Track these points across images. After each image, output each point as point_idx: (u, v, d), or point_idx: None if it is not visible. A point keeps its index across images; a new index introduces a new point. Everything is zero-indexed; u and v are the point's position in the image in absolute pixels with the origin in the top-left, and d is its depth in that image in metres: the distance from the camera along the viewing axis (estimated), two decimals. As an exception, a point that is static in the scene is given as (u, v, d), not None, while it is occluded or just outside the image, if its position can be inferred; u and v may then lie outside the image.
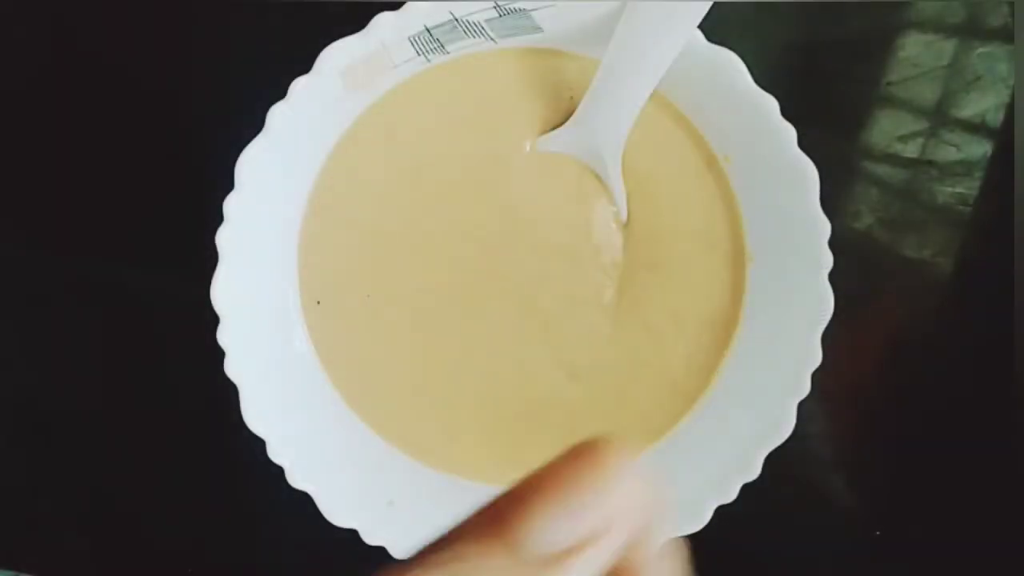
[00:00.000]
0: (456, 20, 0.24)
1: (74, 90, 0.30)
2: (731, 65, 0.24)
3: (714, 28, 0.24)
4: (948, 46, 0.28)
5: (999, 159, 0.29)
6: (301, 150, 0.26)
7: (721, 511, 0.26)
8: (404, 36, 0.24)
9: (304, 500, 0.26)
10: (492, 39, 0.25)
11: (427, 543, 0.14)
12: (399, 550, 0.26)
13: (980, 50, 0.28)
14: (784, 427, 0.26)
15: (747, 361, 0.28)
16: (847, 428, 0.32)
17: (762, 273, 0.27)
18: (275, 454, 0.26)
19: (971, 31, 0.28)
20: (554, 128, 0.27)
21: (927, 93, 0.29)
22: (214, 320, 0.25)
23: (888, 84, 0.29)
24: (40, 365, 0.32)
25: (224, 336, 0.25)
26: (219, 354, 0.25)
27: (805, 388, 0.26)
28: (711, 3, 0.23)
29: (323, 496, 0.26)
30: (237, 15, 0.29)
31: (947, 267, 0.30)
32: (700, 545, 0.26)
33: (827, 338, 0.26)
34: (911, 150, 0.29)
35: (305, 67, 0.23)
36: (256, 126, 0.24)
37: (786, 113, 0.24)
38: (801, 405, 0.26)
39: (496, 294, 0.28)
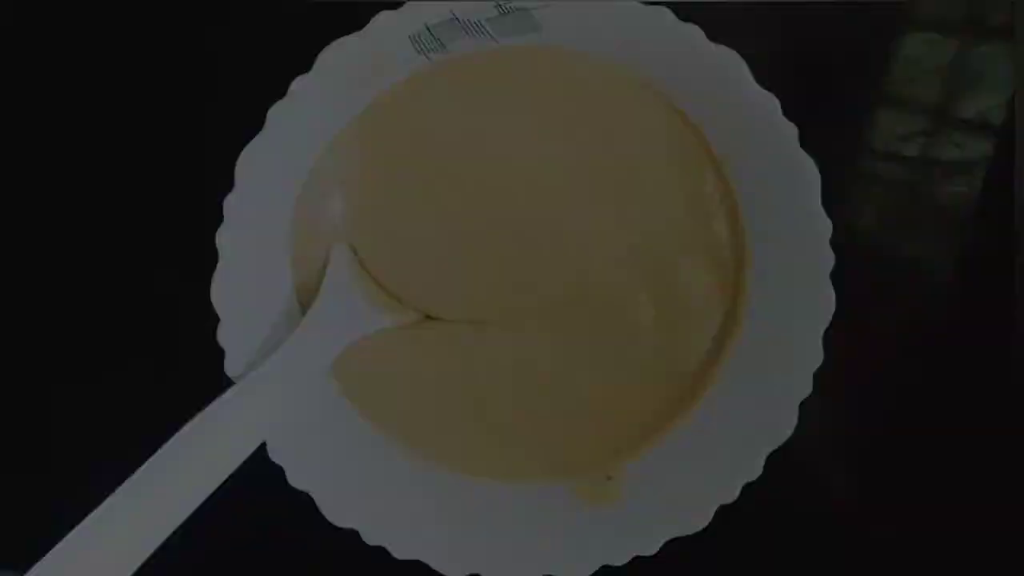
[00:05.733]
0: (457, 19, 0.24)
1: (73, 90, 0.30)
2: (732, 64, 0.24)
3: (714, 27, 0.24)
4: (949, 45, 0.28)
5: (1000, 158, 0.29)
6: (301, 150, 0.26)
7: (723, 511, 0.26)
8: (404, 35, 0.24)
9: (304, 500, 0.26)
10: (493, 38, 0.25)
11: None
12: (399, 550, 0.26)
13: (981, 49, 0.28)
14: (786, 427, 0.26)
15: (749, 361, 0.27)
16: (849, 427, 0.32)
17: (763, 273, 0.27)
18: (275, 454, 0.26)
19: (972, 30, 0.28)
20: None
21: (928, 92, 0.29)
22: (214, 320, 0.25)
23: (889, 83, 0.29)
24: (40, 365, 0.32)
25: (224, 336, 0.25)
26: (219, 354, 0.25)
27: (807, 388, 0.26)
28: None
29: (323, 496, 0.26)
30: (237, 15, 0.29)
31: (948, 266, 0.30)
32: (701, 545, 0.26)
33: (829, 337, 0.26)
34: (912, 149, 0.29)
35: (305, 67, 0.23)
36: (256, 126, 0.24)
37: (787, 112, 0.24)
38: (803, 405, 0.26)
39: (498, 292, 0.28)
